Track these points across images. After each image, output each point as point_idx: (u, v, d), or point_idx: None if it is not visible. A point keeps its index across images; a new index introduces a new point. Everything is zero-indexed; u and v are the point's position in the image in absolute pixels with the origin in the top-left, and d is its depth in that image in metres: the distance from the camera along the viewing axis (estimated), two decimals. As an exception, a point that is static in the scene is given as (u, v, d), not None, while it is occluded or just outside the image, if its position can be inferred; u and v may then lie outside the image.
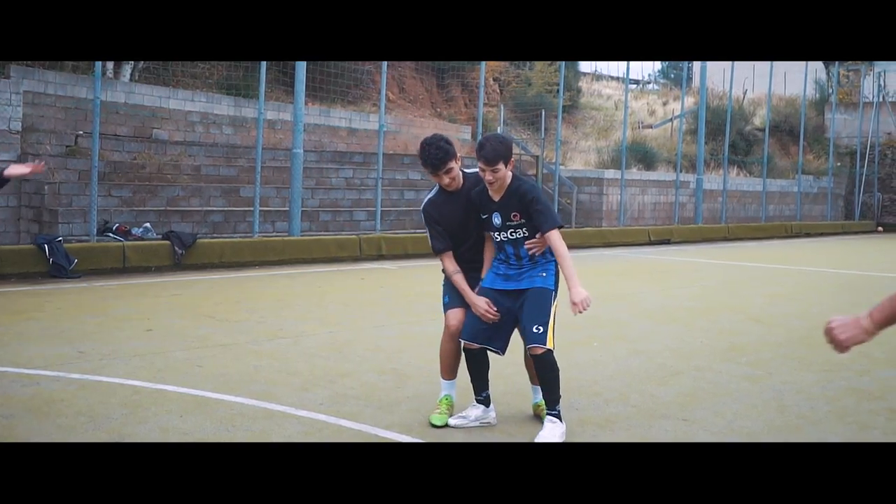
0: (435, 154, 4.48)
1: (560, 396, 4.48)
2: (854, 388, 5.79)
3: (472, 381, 4.67)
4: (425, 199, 4.77)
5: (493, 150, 4.35)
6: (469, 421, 4.62)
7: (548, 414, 4.42)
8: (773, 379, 6.01)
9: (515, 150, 4.82)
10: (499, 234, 4.52)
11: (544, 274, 4.48)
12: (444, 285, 4.83)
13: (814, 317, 8.98)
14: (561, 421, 4.44)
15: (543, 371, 4.39)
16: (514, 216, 4.44)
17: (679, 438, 4.57)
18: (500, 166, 4.36)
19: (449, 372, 4.80)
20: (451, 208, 4.64)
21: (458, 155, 4.62)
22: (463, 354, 4.69)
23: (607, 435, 4.60)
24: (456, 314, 4.67)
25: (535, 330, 4.34)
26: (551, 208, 4.48)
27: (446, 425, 4.62)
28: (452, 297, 4.74)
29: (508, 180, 4.46)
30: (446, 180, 4.55)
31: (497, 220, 4.49)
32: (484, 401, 4.66)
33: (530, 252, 4.46)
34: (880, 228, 30.26)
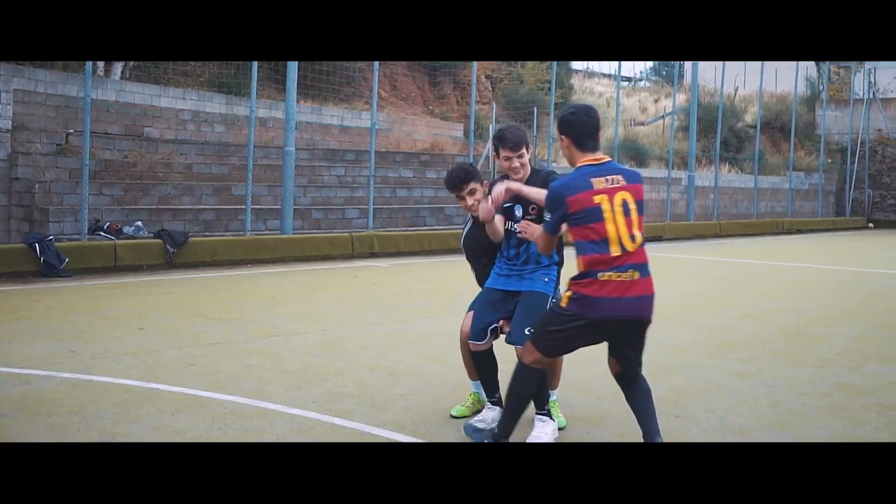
0: (456, 173, 4.55)
1: (549, 397, 4.47)
2: (845, 384, 5.82)
3: (482, 383, 4.62)
4: (463, 235, 4.84)
5: (516, 136, 4.39)
6: (486, 424, 4.52)
7: (537, 413, 4.41)
8: (764, 375, 6.03)
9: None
10: (514, 226, 4.50)
11: (546, 279, 4.46)
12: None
13: (805, 313, 9.01)
14: (552, 419, 4.43)
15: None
16: (532, 209, 4.42)
17: (671, 435, 4.57)
18: (524, 151, 4.39)
19: (473, 374, 4.81)
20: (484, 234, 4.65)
21: (486, 182, 4.61)
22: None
23: (600, 432, 4.61)
24: (467, 319, 4.68)
25: (526, 332, 4.26)
26: None
27: (462, 417, 4.67)
28: (474, 302, 4.75)
29: (529, 171, 4.46)
30: (470, 201, 4.55)
31: (518, 212, 4.49)
32: (498, 402, 4.55)
33: (518, 234, 4.35)
34: (871, 224, 30.40)
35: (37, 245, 10.48)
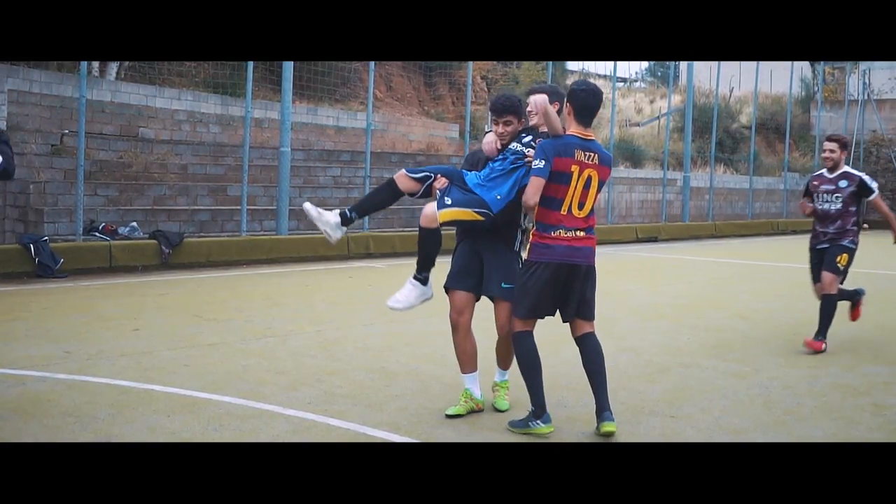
0: (500, 100, 4.74)
1: (431, 266, 4.76)
2: (840, 384, 5.83)
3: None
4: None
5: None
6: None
7: (414, 277, 4.73)
8: (759, 375, 6.04)
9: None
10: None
11: (498, 197, 4.56)
12: (453, 254, 4.93)
13: (800, 313, 9.03)
14: (424, 285, 4.73)
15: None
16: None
17: (667, 435, 4.58)
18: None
19: (465, 366, 4.85)
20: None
21: (524, 120, 4.76)
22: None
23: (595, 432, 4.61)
24: (456, 300, 4.75)
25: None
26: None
27: (458, 416, 4.73)
28: (451, 274, 4.82)
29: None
30: (500, 129, 4.71)
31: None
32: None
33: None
34: (866, 225, 30.36)
35: (31, 246, 10.45)
